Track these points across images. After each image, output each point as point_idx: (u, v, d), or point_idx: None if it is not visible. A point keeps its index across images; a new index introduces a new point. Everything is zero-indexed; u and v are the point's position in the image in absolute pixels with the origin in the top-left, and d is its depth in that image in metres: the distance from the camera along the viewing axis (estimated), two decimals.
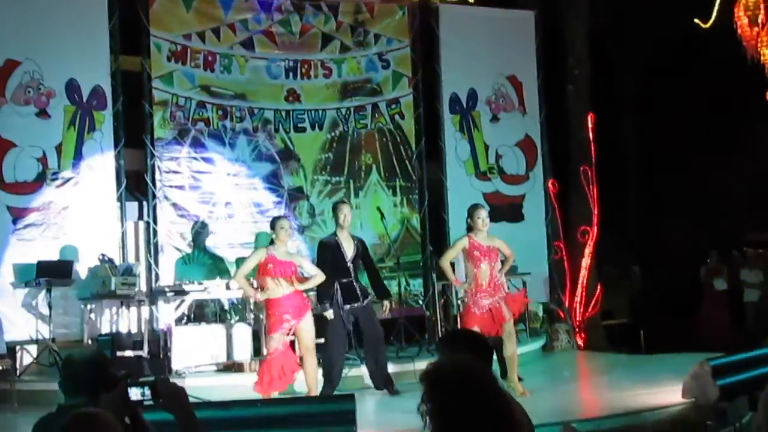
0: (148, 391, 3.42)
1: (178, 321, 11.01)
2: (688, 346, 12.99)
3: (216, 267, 12.46)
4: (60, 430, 2.83)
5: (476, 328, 8.87)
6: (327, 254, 9.80)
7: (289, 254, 9.42)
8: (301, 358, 9.41)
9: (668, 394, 8.79)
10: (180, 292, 10.97)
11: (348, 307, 9.68)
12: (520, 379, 9.49)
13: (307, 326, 9.31)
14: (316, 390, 9.31)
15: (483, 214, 9.62)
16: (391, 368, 10.23)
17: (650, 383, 9.68)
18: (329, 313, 9.60)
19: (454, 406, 2.79)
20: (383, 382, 9.84)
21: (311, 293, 9.96)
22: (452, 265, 9.92)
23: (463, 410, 2.77)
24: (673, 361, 10.91)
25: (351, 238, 9.95)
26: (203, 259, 12.53)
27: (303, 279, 9.52)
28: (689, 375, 8.57)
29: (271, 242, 9.37)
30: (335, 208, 10.01)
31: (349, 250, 9.80)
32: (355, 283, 9.78)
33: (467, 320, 9.47)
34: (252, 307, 11.02)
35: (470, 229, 9.63)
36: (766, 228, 15.81)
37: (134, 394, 3.42)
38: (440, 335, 11.92)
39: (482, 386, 2.82)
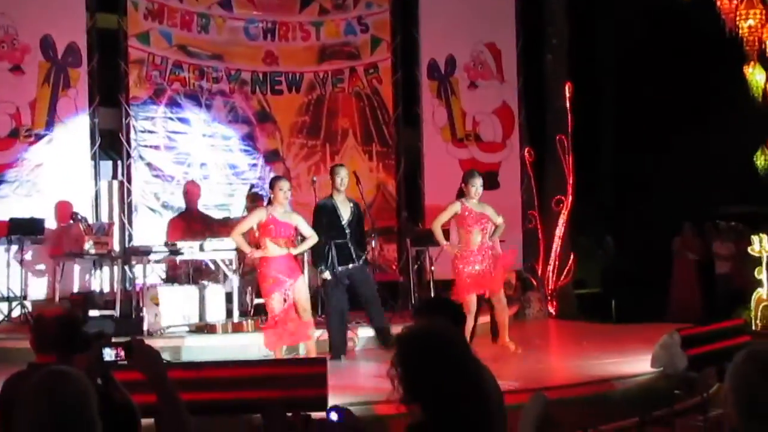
0: (122, 352, 3.42)
1: (151, 282, 10.96)
2: (658, 317, 13.12)
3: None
4: (31, 387, 2.82)
5: (469, 291, 9.28)
6: (322, 217, 9.79)
7: (287, 214, 9.41)
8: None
9: (637, 364, 8.86)
10: (154, 252, 10.91)
11: (342, 268, 9.69)
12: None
13: (302, 286, 9.33)
14: (315, 351, 9.33)
15: (478, 182, 9.69)
16: (362, 333, 10.32)
17: (620, 352, 9.76)
18: (326, 274, 9.62)
19: (424, 369, 2.80)
20: (384, 340, 9.84)
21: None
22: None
23: (432, 374, 2.78)
24: (643, 331, 10.99)
25: (347, 201, 9.93)
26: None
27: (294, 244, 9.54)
28: (658, 345, 8.65)
29: (269, 202, 9.38)
30: (332, 171, 9.98)
31: (345, 213, 9.80)
32: (350, 245, 9.77)
33: (458, 283, 9.61)
34: (229, 268, 11.00)
35: (462, 194, 9.68)
36: (738, 201, 15.92)
37: (108, 354, 3.42)
38: (414, 301, 11.96)
39: (453, 351, 2.83)
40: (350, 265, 9.75)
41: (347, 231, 9.78)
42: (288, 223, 9.32)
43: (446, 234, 10.30)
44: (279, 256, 9.21)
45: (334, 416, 3.34)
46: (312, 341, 9.41)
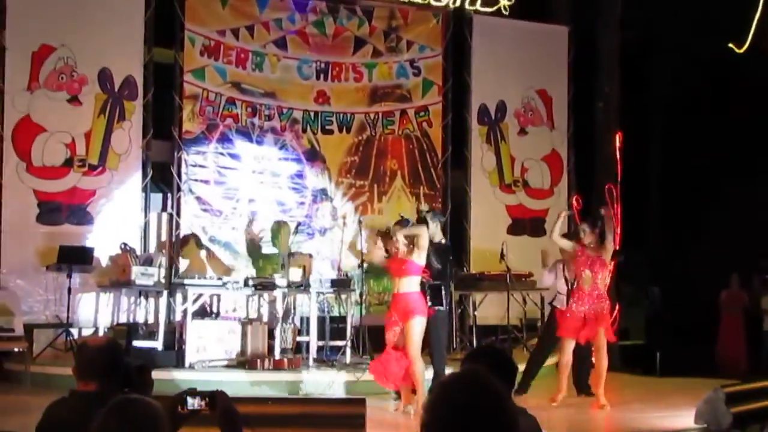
0: (206, 403, 3.45)
1: (195, 315, 11.03)
2: (703, 371, 12.91)
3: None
4: (104, 413, 2.86)
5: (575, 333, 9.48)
6: (445, 257, 9.84)
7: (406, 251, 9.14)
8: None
9: (680, 419, 8.75)
10: (199, 286, 11.00)
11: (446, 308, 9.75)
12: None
13: (412, 330, 8.96)
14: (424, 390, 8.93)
15: (585, 226, 9.84)
16: None
17: (663, 406, 9.65)
18: (442, 311, 9.53)
19: (446, 416, 2.76)
20: None
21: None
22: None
23: (453, 421, 2.74)
24: (687, 385, 10.85)
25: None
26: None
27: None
28: (703, 400, 8.53)
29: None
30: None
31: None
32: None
33: (561, 322, 9.74)
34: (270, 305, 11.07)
35: (577, 236, 9.82)
36: None
37: (191, 403, 3.45)
38: (455, 345, 11.91)
39: (485, 400, 2.79)
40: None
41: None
42: (401, 260, 9.10)
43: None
44: (396, 293, 9.08)
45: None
46: (418, 396, 8.86)
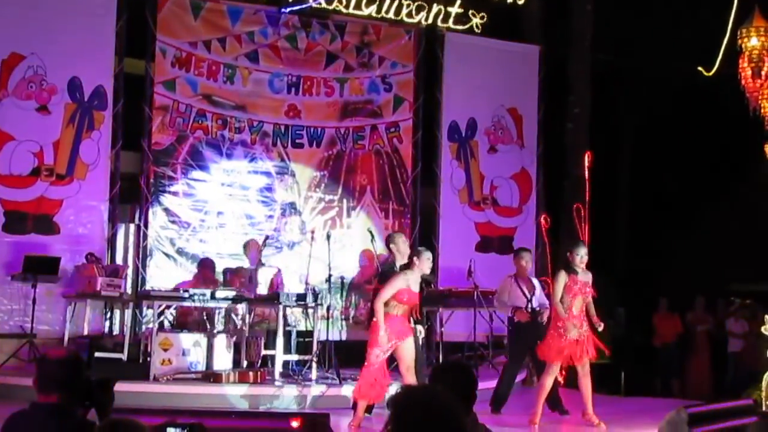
0: None
1: (161, 327, 10.97)
2: (667, 392, 13.00)
3: None
4: None
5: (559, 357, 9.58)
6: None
7: (417, 281, 9.25)
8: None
9: None
10: (165, 298, 10.95)
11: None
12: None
13: (408, 347, 9.15)
14: None
15: (582, 251, 9.79)
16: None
17: (626, 425, 9.69)
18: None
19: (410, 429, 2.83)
20: None
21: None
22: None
23: None
24: (651, 405, 10.91)
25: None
26: None
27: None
28: (665, 420, 8.53)
29: (408, 267, 9.28)
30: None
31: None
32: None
33: (552, 345, 9.68)
34: (236, 318, 11.03)
35: (568, 264, 9.76)
36: (754, 279, 15.83)
37: None
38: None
39: (440, 416, 2.86)
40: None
41: None
42: (417, 294, 9.25)
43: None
44: (397, 316, 9.10)
45: None
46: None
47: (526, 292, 10.57)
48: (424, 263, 9.18)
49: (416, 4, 13.86)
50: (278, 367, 10.61)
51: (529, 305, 10.52)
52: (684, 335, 15.64)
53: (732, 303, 15.62)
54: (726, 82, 11.99)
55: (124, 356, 10.65)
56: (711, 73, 12.80)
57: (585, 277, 9.82)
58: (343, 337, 12.85)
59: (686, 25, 15.52)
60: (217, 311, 11.41)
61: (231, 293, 11.04)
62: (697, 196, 16.73)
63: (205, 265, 12.14)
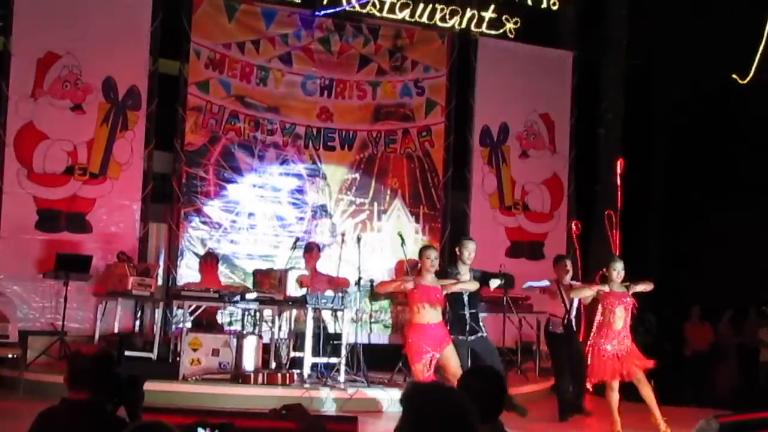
0: None
1: (191, 327, 11.01)
2: (698, 401, 12.87)
3: None
4: None
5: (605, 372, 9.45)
6: None
7: (435, 280, 9.26)
8: None
9: None
10: (196, 298, 11.00)
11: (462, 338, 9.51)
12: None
13: (451, 354, 9.08)
14: None
15: (619, 266, 9.73)
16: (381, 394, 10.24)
17: None
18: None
19: (419, 425, 2.86)
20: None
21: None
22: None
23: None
24: (682, 414, 10.80)
25: (470, 272, 9.78)
26: None
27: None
28: (695, 430, 8.47)
29: (419, 271, 9.32)
30: (462, 245, 9.80)
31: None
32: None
33: (596, 366, 9.59)
34: (266, 319, 11.05)
35: (605, 278, 9.73)
36: None
37: None
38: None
39: (449, 414, 2.88)
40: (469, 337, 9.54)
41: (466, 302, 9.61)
42: (434, 287, 9.18)
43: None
44: (428, 325, 9.05)
45: None
46: None
47: (566, 303, 10.38)
48: (425, 262, 9.16)
49: (450, 8, 13.86)
50: (306, 369, 10.62)
51: (567, 316, 10.34)
52: (715, 344, 15.53)
53: (764, 313, 15.47)
54: (761, 90, 11.88)
55: (153, 355, 10.69)
56: (746, 81, 12.70)
57: (621, 290, 9.71)
58: (372, 341, 12.84)
59: (721, 32, 15.39)
60: (247, 312, 11.44)
61: (261, 295, 11.06)
62: (730, 203, 16.56)
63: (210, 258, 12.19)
